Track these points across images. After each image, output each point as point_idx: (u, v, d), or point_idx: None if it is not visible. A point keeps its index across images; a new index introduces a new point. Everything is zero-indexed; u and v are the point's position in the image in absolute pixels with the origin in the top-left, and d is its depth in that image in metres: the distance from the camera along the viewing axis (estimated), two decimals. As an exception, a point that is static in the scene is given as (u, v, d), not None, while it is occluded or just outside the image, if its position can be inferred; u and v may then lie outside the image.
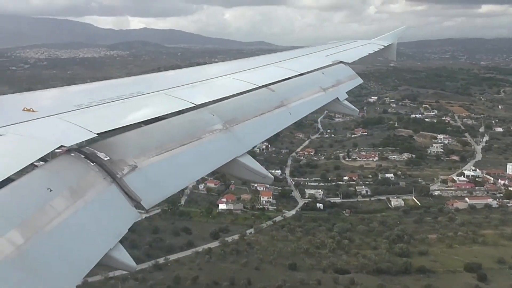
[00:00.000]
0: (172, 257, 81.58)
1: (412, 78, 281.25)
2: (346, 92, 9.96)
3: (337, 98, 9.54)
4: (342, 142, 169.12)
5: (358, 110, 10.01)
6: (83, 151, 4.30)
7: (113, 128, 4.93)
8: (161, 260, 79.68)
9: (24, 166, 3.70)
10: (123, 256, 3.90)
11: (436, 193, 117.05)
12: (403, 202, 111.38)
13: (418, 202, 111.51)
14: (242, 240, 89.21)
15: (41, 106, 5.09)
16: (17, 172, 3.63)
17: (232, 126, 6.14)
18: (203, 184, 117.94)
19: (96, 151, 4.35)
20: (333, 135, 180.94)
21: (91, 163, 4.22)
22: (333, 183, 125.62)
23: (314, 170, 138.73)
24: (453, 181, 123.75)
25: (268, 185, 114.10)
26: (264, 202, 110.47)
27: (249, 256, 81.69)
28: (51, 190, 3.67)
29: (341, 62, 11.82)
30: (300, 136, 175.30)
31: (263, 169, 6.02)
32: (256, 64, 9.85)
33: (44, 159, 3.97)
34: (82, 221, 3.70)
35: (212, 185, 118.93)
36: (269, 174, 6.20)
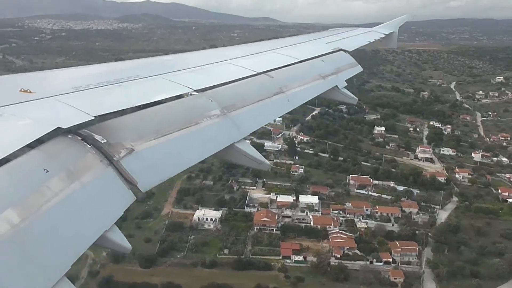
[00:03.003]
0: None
1: (506, 58, 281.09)
2: (345, 80, 9.91)
3: (336, 86, 9.50)
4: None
5: (356, 98, 9.95)
6: (80, 133, 4.30)
7: (111, 111, 4.92)
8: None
9: (20, 147, 3.71)
10: (119, 237, 3.93)
11: None
12: None
13: None
14: None
15: (38, 87, 5.08)
16: (14, 152, 3.64)
17: (230, 112, 6.13)
18: (460, 175, 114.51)
19: (93, 134, 4.35)
20: (499, 118, 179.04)
21: (88, 146, 4.22)
22: None
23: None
24: None
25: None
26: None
27: None
28: (47, 171, 3.68)
29: (341, 49, 11.76)
30: (467, 118, 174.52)
31: (259, 155, 6.03)
32: (255, 50, 9.81)
33: (40, 140, 3.97)
34: (78, 203, 3.73)
35: (466, 174, 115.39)
36: (266, 161, 6.19)
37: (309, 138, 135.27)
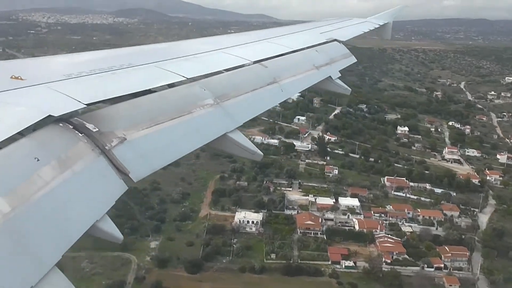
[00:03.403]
0: None
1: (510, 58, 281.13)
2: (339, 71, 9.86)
3: (330, 76, 9.42)
4: None
5: (350, 89, 9.85)
6: (72, 121, 4.28)
7: (103, 99, 4.89)
8: None
9: (11, 135, 3.69)
10: (110, 227, 3.92)
11: None
12: None
13: None
14: None
15: (30, 74, 5.02)
16: (4, 140, 3.62)
17: (223, 102, 6.12)
18: (492, 177, 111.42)
19: (84, 122, 4.34)
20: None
21: (80, 134, 4.21)
22: None
23: None
24: None
25: None
26: None
27: None
28: (38, 160, 3.67)
29: (335, 40, 11.68)
30: (484, 119, 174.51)
31: (252, 145, 6.05)
32: (249, 40, 9.74)
33: (31, 128, 3.94)
34: (69, 192, 3.72)
35: (497, 176, 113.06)
36: (259, 151, 6.20)
37: (336, 138, 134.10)
